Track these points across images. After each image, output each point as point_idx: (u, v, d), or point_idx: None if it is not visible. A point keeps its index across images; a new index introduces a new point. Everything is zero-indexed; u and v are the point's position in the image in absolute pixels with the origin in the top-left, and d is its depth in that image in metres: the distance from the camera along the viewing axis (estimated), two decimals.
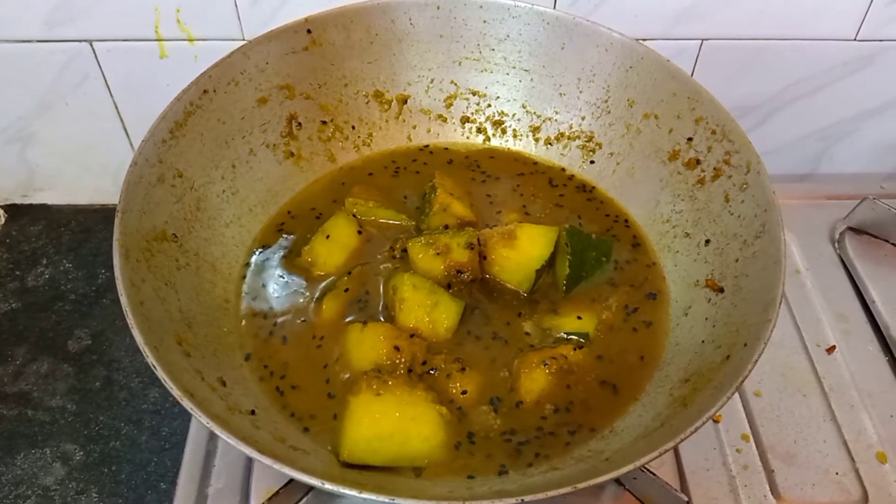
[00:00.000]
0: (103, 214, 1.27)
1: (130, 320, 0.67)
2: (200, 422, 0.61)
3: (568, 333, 0.83)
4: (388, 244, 0.91)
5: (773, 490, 0.85)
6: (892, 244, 1.10)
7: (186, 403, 0.62)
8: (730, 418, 0.90)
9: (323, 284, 0.87)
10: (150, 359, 0.64)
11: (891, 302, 1.02)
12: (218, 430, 0.61)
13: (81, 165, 1.23)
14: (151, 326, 0.69)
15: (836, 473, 0.87)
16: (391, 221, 0.93)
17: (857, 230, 1.11)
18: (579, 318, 0.85)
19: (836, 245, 1.10)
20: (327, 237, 0.89)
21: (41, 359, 1.08)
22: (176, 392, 0.63)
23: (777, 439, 0.89)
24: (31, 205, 1.28)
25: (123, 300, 0.68)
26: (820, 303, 1.03)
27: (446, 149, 1.04)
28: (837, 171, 1.31)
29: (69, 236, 1.24)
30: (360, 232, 0.91)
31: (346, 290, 0.86)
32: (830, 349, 0.98)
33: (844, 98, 1.20)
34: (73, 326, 1.12)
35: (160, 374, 0.63)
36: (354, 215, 0.93)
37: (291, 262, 0.89)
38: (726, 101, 0.88)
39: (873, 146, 1.28)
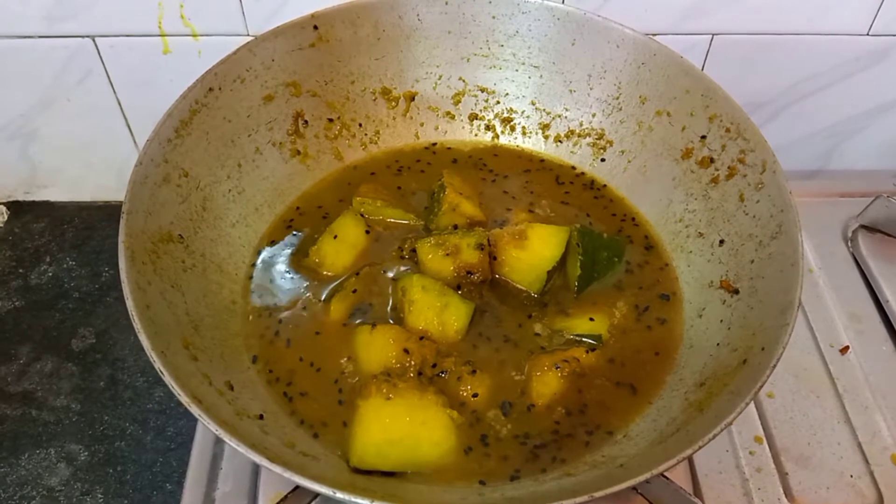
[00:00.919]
0: (107, 211, 1.26)
1: (137, 324, 0.65)
2: (209, 429, 0.60)
3: (580, 336, 0.82)
4: (396, 244, 0.89)
5: (787, 493, 0.84)
6: None
7: (195, 410, 0.61)
8: (743, 420, 0.89)
9: (331, 286, 0.86)
10: (158, 364, 0.63)
11: None
12: (227, 438, 0.60)
13: (84, 162, 1.22)
14: (158, 330, 0.68)
15: (851, 476, 0.86)
16: (399, 221, 0.92)
17: (870, 228, 1.10)
18: (591, 319, 0.84)
19: (849, 243, 1.09)
20: (335, 237, 0.88)
21: (45, 358, 1.07)
22: (184, 398, 0.61)
23: (791, 441, 0.88)
24: (33, 202, 1.27)
25: (129, 304, 0.67)
26: (833, 302, 1.02)
27: (449, 148, 1.03)
28: (848, 168, 1.30)
29: (72, 233, 1.23)
30: (367, 232, 0.90)
31: (354, 292, 0.85)
32: (844, 349, 0.97)
33: (856, 94, 1.19)
34: (76, 325, 1.11)
35: (167, 379, 0.62)
36: (362, 215, 0.91)
37: (299, 262, 0.88)
38: (736, 97, 0.87)
39: (885, 143, 1.27)
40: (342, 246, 0.88)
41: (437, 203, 0.91)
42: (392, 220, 0.92)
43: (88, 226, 1.24)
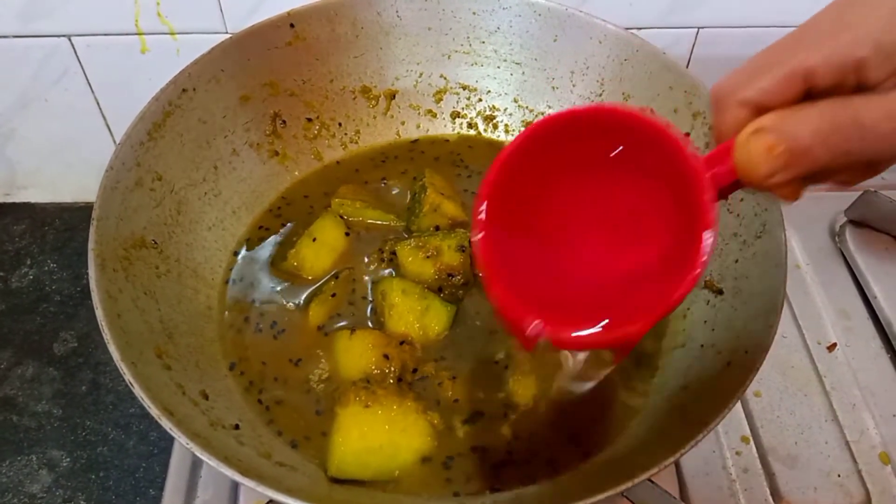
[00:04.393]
0: (88, 212, 1.21)
1: (106, 334, 0.64)
2: (180, 442, 0.59)
3: None
4: (376, 246, 0.88)
5: (775, 494, 0.83)
6: (894, 237, 1.07)
7: (165, 423, 0.60)
8: (729, 420, 0.88)
9: (309, 289, 0.85)
10: (127, 376, 0.62)
11: (893, 297, 0.99)
12: (198, 451, 0.59)
13: (64, 162, 1.20)
14: (130, 340, 0.67)
15: (839, 475, 0.85)
16: (380, 222, 0.91)
17: (857, 223, 1.08)
18: None
19: (837, 239, 1.08)
20: (314, 240, 0.86)
21: (26, 362, 1.06)
22: (154, 411, 0.60)
23: (778, 441, 0.87)
24: (13, 203, 1.26)
25: (99, 313, 0.66)
26: (821, 299, 1.01)
27: (433, 142, 1.02)
28: None
29: (53, 235, 1.22)
30: (347, 234, 0.89)
31: (334, 296, 0.83)
32: (831, 347, 0.96)
33: None
34: (58, 329, 1.10)
35: (137, 391, 0.61)
36: (342, 216, 0.90)
37: (277, 265, 0.87)
38: None
39: None
40: (321, 249, 0.86)
41: (417, 204, 0.90)
42: (372, 222, 0.91)
43: (69, 227, 1.23)
